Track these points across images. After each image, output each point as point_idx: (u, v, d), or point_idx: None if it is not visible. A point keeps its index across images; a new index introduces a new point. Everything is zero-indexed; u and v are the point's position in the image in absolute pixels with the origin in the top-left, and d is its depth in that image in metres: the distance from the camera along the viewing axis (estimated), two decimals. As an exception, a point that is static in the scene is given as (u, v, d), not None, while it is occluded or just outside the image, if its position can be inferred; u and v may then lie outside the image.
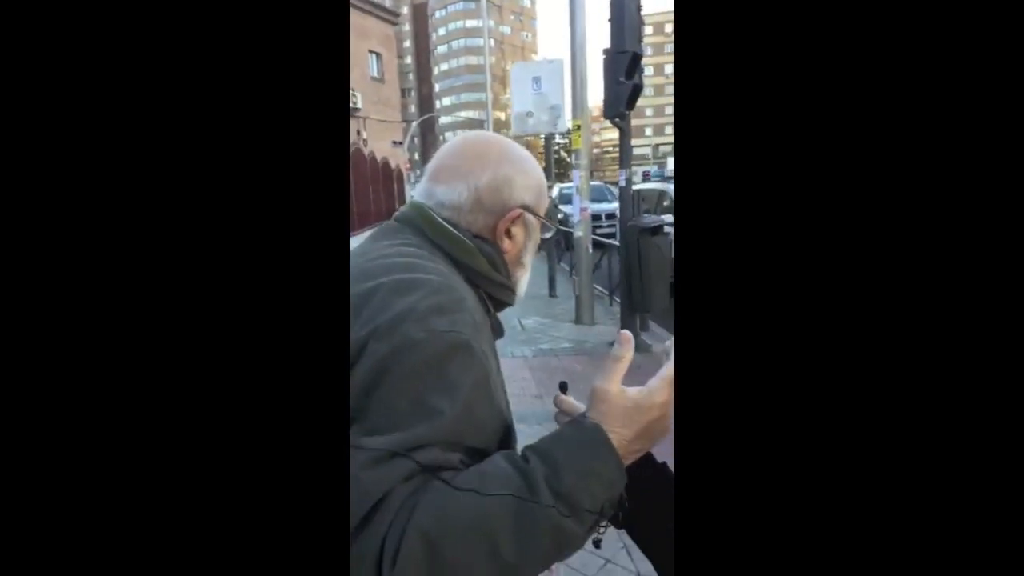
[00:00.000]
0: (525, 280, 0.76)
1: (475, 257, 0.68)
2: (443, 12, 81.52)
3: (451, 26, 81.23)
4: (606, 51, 4.76)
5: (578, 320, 5.45)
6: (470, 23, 76.73)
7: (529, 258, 0.75)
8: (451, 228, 0.68)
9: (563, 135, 7.30)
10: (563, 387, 0.76)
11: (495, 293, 0.71)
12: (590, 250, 5.40)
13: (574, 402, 0.70)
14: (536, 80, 6.24)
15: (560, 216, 8.25)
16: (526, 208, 0.72)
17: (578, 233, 5.38)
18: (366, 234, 0.75)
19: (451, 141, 0.76)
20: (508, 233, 0.71)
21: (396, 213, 0.75)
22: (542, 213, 0.75)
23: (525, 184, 0.71)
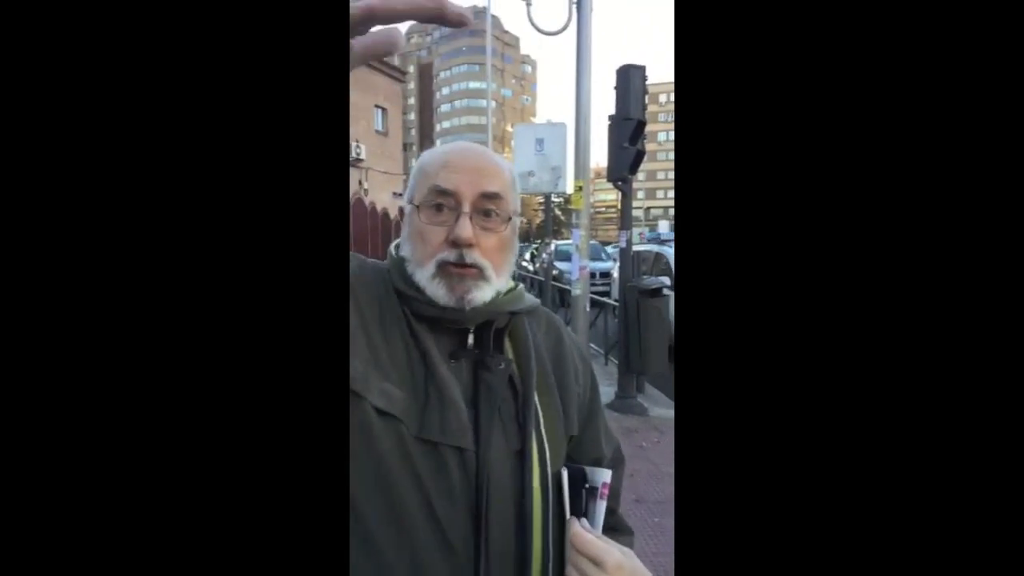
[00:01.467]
0: (427, 280, 0.67)
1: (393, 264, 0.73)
2: (448, 73, 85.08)
3: (455, 86, 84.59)
4: (611, 117, 4.91)
5: (573, 379, 5.36)
6: (473, 84, 79.94)
7: (408, 248, 0.70)
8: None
9: (559, 195, 7.45)
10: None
11: (413, 309, 0.68)
12: (588, 308, 5.38)
13: (589, 538, 0.54)
14: (539, 141, 6.42)
15: (556, 272, 8.30)
16: (409, 201, 0.73)
17: (576, 291, 5.38)
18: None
19: None
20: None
21: None
22: (418, 198, 0.71)
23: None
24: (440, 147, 0.73)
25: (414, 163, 0.74)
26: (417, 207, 0.68)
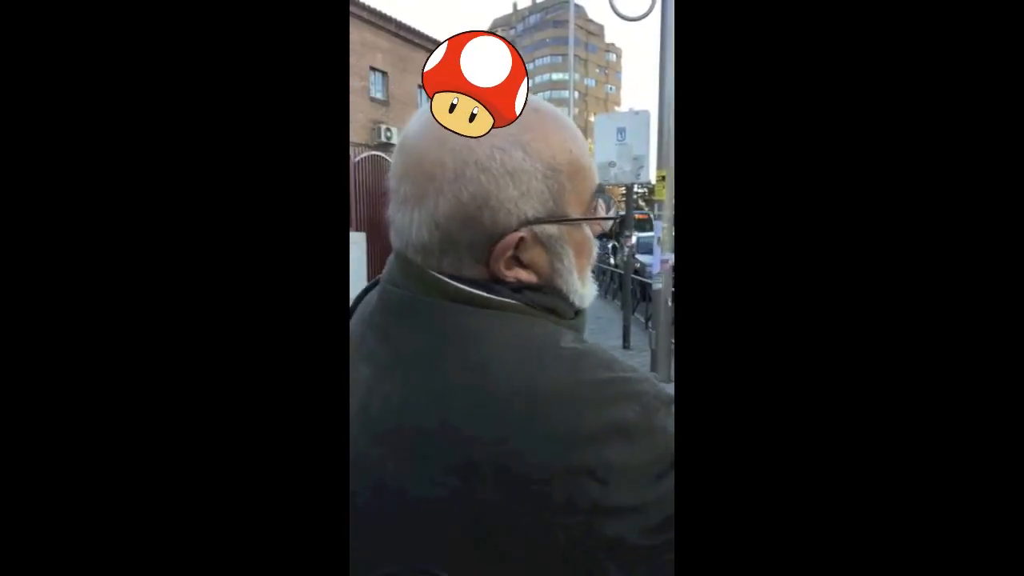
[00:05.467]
0: (590, 293, 0.53)
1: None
2: (531, 65, 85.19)
3: (538, 79, 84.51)
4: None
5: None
6: (556, 76, 79.46)
7: (575, 276, 0.50)
8: (480, 294, 0.47)
9: (642, 185, 7.20)
10: None
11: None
12: (670, 303, 5.19)
13: None
14: (620, 131, 6.25)
15: (637, 266, 8.06)
16: (531, 223, 0.47)
17: (657, 285, 5.20)
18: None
19: (408, 128, 0.50)
20: (519, 264, 0.48)
21: (391, 279, 0.51)
22: (574, 208, 0.48)
23: (519, 193, 0.46)
24: (550, 115, 0.49)
25: (525, 162, 0.46)
26: (574, 220, 0.49)
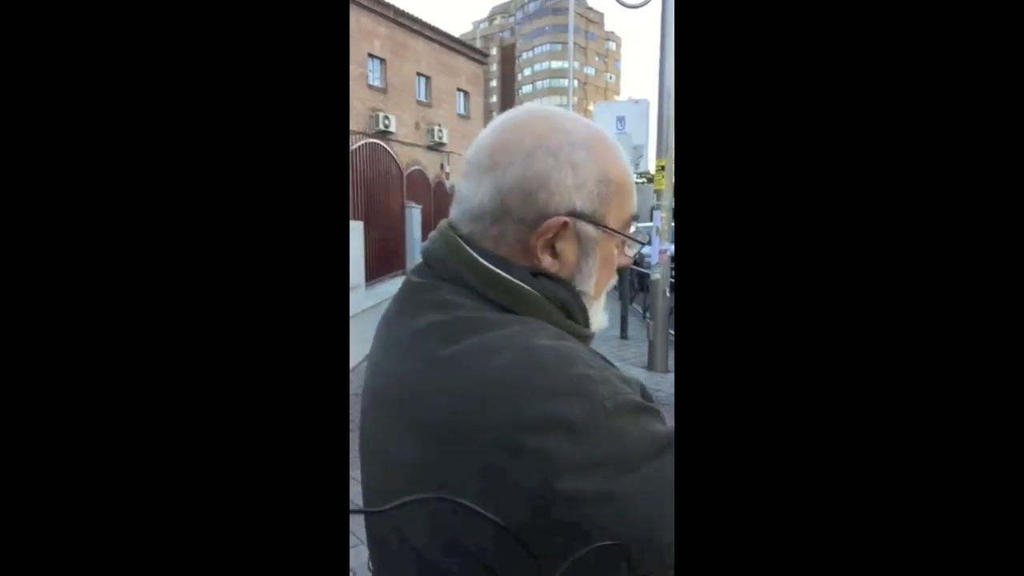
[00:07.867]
0: (598, 314, 0.57)
1: (539, 307, 0.52)
2: (530, 53, 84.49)
3: (537, 67, 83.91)
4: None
5: (650, 366, 5.22)
6: (555, 64, 78.91)
7: (592, 282, 0.54)
8: (496, 271, 0.51)
9: (641, 175, 7.18)
10: None
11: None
12: (668, 293, 5.19)
13: None
14: (620, 120, 6.21)
15: (636, 256, 8.05)
16: (577, 215, 0.52)
17: (655, 276, 5.20)
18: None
19: (495, 120, 0.56)
20: (551, 250, 0.52)
21: (425, 248, 0.57)
22: (612, 221, 0.53)
23: (574, 183, 0.51)
24: (613, 142, 0.55)
25: (586, 162, 0.52)
26: (606, 232, 0.54)
